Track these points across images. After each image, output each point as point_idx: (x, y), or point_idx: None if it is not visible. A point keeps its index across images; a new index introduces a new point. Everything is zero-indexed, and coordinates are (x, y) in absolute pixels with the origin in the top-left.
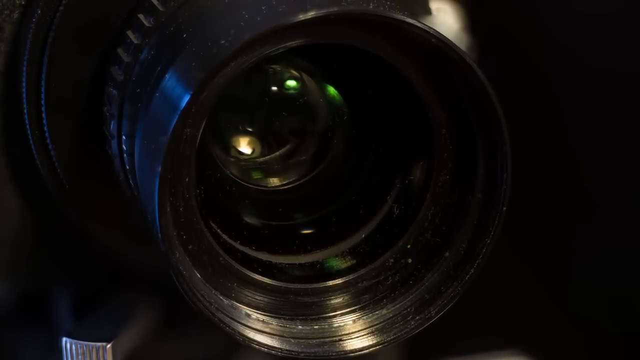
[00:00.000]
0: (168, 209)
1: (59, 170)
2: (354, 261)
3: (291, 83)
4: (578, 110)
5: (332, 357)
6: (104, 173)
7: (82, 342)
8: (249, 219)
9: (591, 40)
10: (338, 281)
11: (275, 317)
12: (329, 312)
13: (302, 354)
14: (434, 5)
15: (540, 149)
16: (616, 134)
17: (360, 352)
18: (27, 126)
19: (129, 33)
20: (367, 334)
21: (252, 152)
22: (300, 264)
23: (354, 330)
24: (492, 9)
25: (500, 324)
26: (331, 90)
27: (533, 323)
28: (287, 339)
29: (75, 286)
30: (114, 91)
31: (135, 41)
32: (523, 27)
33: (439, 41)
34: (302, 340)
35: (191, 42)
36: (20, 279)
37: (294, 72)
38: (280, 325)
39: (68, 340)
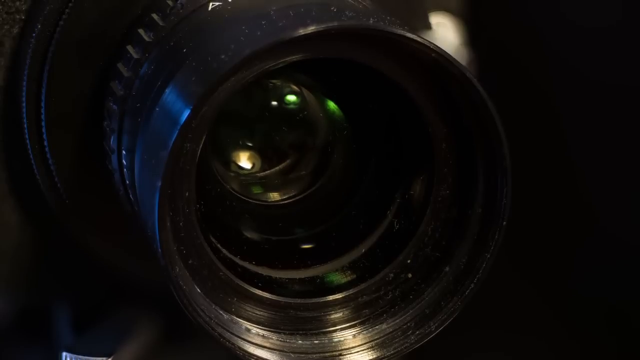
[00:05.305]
0: (168, 224)
1: (59, 185)
2: (354, 276)
3: (291, 98)
4: (578, 123)
5: None
6: (104, 188)
7: (82, 356)
8: (249, 234)
9: (591, 54)
10: (338, 296)
11: (275, 332)
12: (329, 327)
13: None
14: (434, 20)
15: (540, 164)
16: (616, 147)
17: None
18: (27, 141)
19: (129, 48)
20: (367, 348)
21: (252, 167)
22: (300, 279)
23: (354, 345)
24: (492, 24)
25: (499, 338)
26: (331, 104)
27: (532, 339)
28: (287, 354)
29: (75, 301)
30: (114, 106)
31: (135, 56)
32: (523, 42)
33: (439, 56)
34: (302, 355)
35: (191, 56)
36: (20, 293)
37: (294, 87)
38: (280, 340)
39: (68, 355)
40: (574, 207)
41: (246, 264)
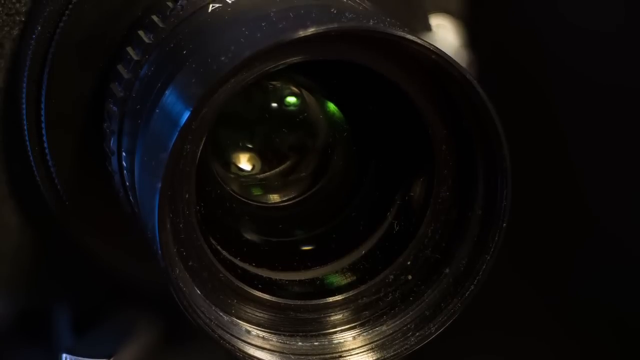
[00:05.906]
0: (168, 226)
1: (59, 186)
2: (354, 277)
3: (291, 99)
4: (577, 125)
5: None
6: (104, 190)
7: (82, 358)
8: (249, 236)
9: (590, 55)
10: (338, 298)
11: (275, 334)
12: (329, 329)
13: None
14: (434, 22)
15: (540, 165)
16: (616, 148)
17: None
18: (27, 143)
19: (129, 49)
20: (367, 350)
21: (252, 169)
22: (300, 281)
23: (354, 347)
24: (491, 26)
25: (499, 340)
26: (331, 106)
27: (533, 340)
28: (287, 356)
29: (75, 302)
30: (114, 107)
31: (135, 57)
32: (522, 44)
33: (439, 57)
34: (302, 357)
35: (191, 58)
36: (20, 295)
37: (294, 89)
38: (280, 342)
39: (68, 356)
40: (574, 208)
41: (246, 266)
